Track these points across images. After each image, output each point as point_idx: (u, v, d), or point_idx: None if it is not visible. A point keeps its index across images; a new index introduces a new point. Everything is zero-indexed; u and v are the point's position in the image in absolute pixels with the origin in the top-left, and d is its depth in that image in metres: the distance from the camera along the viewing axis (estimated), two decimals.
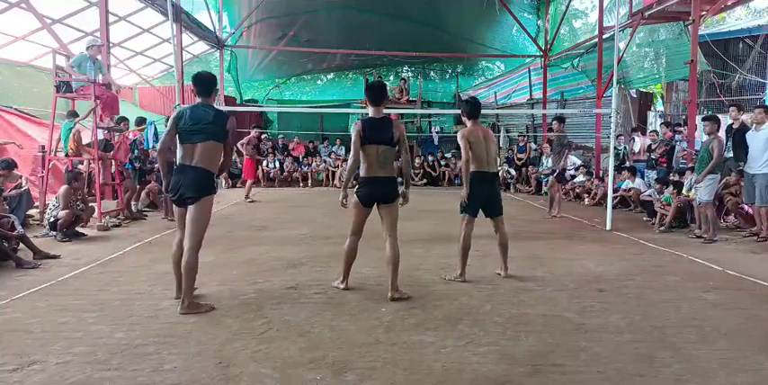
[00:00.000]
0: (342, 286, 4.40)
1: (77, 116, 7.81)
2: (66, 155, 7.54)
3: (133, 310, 3.84)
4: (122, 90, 12.43)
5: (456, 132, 4.94)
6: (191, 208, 3.88)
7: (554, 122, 8.76)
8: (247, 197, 10.69)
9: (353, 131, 4.11)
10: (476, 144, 4.67)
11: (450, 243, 6.49)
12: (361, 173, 4.16)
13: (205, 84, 4.00)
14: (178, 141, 3.91)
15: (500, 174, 13.22)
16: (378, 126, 4.09)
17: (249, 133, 11.43)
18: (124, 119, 8.19)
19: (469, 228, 4.81)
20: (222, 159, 4.01)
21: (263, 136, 16.42)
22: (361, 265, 5.20)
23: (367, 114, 4.26)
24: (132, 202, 8.72)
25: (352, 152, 4.17)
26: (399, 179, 4.47)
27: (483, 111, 16.57)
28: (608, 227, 7.47)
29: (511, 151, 14.98)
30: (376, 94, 4.18)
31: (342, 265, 4.41)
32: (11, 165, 6.70)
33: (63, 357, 3.01)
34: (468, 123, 4.86)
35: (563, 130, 8.73)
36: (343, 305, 4.03)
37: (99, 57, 8.06)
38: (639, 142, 8.23)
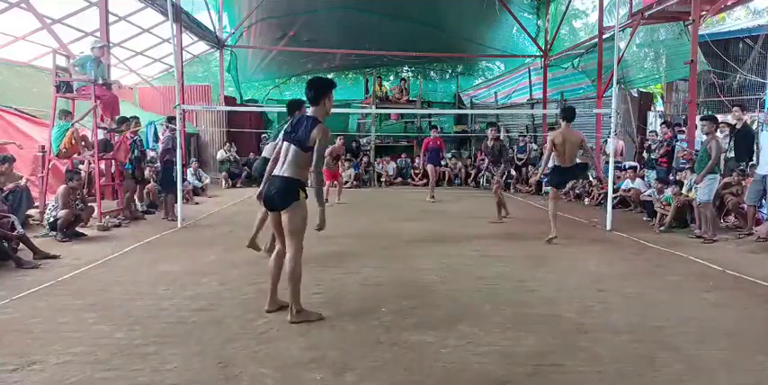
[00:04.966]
0: (266, 307, 3.80)
1: (69, 115, 7.75)
2: (57, 155, 7.52)
3: (133, 310, 3.83)
4: (122, 88, 12.42)
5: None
6: None
7: (489, 130, 8.36)
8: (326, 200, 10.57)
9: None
10: (558, 145, 6.35)
11: (451, 243, 6.51)
12: None
13: None
14: None
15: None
16: (299, 124, 3.70)
17: (262, 135, 10.74)
18: (125, 120, 8.18)
19: (555, 198, 6.68)
20: None
21: (262, 136, 16.41)
22: (362, 266, 5.21)
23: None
24: (139, 203, 8.76)
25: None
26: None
27: (482, 112, 16.68)
28: (608, 227, 7.46)
29: (511, 150, 14.98)
30: (307, 92, 3.75)
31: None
32: (8, 158, 6.69)
33: (63, 357, 3.01)
34: (562, 125, 6.45)
35: (498, 136, 8.42)
36: (344, 305, 4.03)
37: (102, 59, 8.07)
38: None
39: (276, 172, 3.67)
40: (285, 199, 3.56)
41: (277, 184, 3.62)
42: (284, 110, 5.14)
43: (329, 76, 20.16)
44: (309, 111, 3.79)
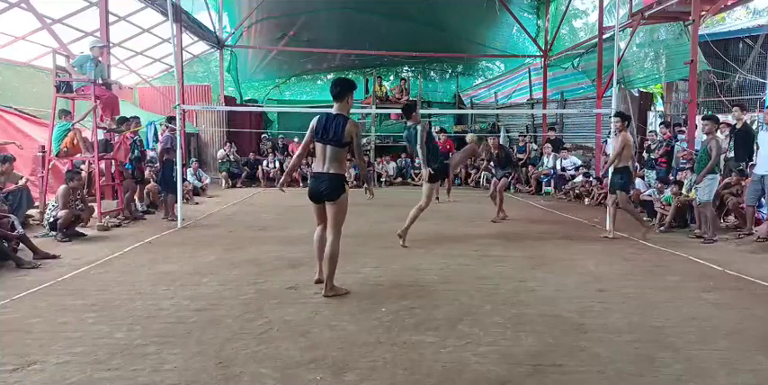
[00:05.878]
0: (316, 277, 4.43)
1: (69, 115, 7.75)
2: (57, 155, 7.51)
3: (133, 310, 3.83)
4: (123, 89, 12.41)
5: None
6: None
7: (490, 140, 9.10)
8: None
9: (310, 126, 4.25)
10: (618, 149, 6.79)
11: (451, 243, 6.51)
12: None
13: None
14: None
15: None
16: (329, 124, 4.13)
17: (262, 135, 10.55)
18: (125, 120, 8.19)
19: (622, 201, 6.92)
20: None
21: (262, 136, 16.41)
22: (362, 266, 5.21)
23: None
24: (140, 203, 8.76)
25: (300, 146, 4.43)
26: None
27: (483, 112, 16.96)
28: (608, 227, 7.45)
29: (511, 150, 14.95)
30: (332, 89, 4.25)
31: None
32: (8, 158, 6.68)
33: (63, 357, 3.01)
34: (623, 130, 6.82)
35: (500, 144, 9.02)
36: (344, 305, 4.03)
37: (101, 58, 8.05)
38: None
39: (319, 170, 4.16)
40: (334, 193, 4.10)
41: (326, 181, 4.13)
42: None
43: (329, 77, 20.25)
44: (334, 108, 4.23)
